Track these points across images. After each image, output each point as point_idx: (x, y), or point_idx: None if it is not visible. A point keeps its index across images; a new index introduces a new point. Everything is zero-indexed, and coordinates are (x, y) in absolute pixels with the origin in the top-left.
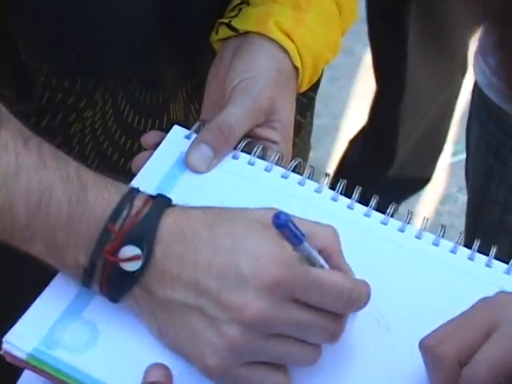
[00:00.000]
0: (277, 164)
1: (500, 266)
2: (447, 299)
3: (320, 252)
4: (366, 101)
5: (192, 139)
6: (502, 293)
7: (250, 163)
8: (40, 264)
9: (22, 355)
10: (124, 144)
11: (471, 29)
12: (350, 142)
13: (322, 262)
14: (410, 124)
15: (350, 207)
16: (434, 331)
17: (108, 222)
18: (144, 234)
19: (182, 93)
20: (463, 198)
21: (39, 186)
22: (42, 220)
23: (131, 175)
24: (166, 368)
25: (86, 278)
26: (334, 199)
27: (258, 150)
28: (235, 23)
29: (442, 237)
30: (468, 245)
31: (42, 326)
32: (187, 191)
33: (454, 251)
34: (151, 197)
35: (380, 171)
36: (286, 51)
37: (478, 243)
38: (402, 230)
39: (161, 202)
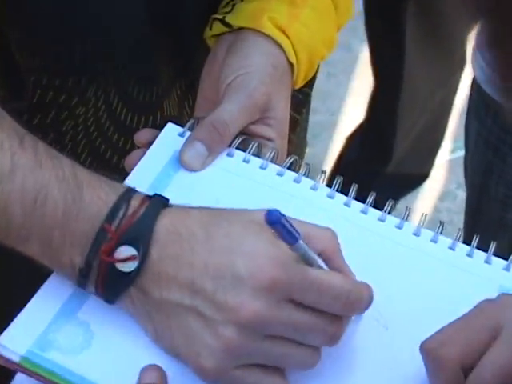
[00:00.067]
0: (272, 161)
1: (499, 263)
2: (446, 296)
3: (319, 255)
4: (363, 97)
5: (186, 137)
6: (504, 295)
7: (245, 161)
8: (34, 265)
9: (15, 358)
10: (117, 141)
11: (469, 25)
12: (347, 139)
13: (321, 262)
14: (408, 121)
15: (346, 204)
16: (435, 334)
17: (104, 221)
18: (140, 235)
19: (175, 89)
20: (462, 194)
21: (35, 185)
22: (37, 219)
23: (125, 173)
24: (160, 369)
25: (82, 278)
26: (331, 196)
27: (253, 147)
28: (229, 19)
29: (441, 233)
30: (467, 241)
31: (36, 328)
32: (181, 190)
33: (452, 248)
34: (148, 197)
35: (378, 168)
36: (280, 47)
37: (477, 239)
38: (399, 227)
39: (157, 202)
